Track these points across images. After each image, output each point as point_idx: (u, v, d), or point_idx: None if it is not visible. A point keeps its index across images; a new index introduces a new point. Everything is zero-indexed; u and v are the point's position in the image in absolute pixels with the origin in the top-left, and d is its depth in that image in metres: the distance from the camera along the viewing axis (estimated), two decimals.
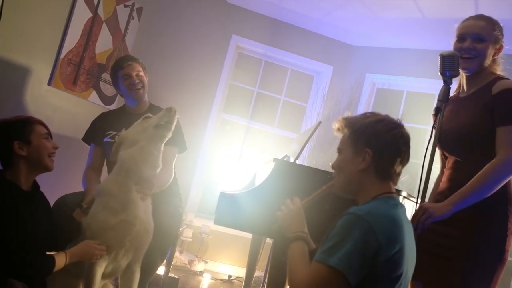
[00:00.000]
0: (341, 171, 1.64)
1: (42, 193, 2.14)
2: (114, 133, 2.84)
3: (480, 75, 2.03)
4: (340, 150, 1.67)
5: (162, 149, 2.39)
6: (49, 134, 2.12)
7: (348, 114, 1.69)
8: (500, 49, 2.05)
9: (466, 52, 1.99)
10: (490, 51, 2.01)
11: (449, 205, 1.85)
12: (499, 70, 2.07)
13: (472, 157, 1.99)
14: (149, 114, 2.43)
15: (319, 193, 1.79)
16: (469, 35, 2.02)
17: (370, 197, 1.56)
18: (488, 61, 2.01)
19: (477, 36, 2.00)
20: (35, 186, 2.10)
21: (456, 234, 1.92)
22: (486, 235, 1.92)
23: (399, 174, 1.62)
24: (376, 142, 1.56)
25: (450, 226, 1.92)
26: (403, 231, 1.46)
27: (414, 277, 2.03)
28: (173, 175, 2.82)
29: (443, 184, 2.11)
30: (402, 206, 1.60)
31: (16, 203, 1.91)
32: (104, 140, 2.86)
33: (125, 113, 2.97)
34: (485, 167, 1.86)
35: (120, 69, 2.90)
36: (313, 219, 1.74)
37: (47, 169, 2.08)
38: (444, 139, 1.99)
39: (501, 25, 2.06)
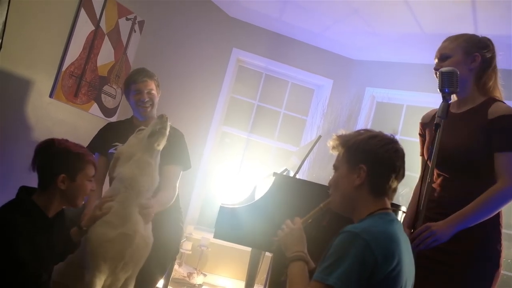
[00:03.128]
0: (337, 188, 1.65)
1: (63, 213, 2.12)
2: (120, 145, 2.84)
3: (468, 91, 2.06)
4: (336, 167, 1.68)
5: (158, 160, 2.39)
6: (94, 176, 2.10)
7: (342, 131, 1.71)
8: (475, 59, 2.05)
9: (435, 72, 2.06)
10: (462, 65, 2.03)
11: (451, 227, 1.88)
12: (497, 89, 2.09)
13: (461, 176, 2.03)
14: (142, 127, 2.43)
15: (317, 211, 1.79)
16: (437, 57, 2.12)
17: (366, 214, 1.57)
18: (466, 75, 2.03)
19: (442, 56, 2.09)
20: (60, 212, 2.08)
21: (454, 250, 1.93)
22: (484, 251, 1.93)
23: (395, 190, 1.63)
24: (370, 158, 1.57)
25: (447, 242, 1.91)
26: (400, 247, 1.47)
27: None
28: (176, 194, 2.81)
29: (431, 201, 2.09)
30: (398, 222, 1.60)
31: (36, 230, 1.89)
32: (109, 151, 2.86)
33: (132, 126, 2.96)
34: (487, 192, 1.90)
35: (133, 83, 2.89)
36: (311, 236, 1.74)
37: (75, 206, 2.08)
38: (436, 156, 2.00)
39: (477, 36, 2.10)
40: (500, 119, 1.95)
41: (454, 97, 2.14)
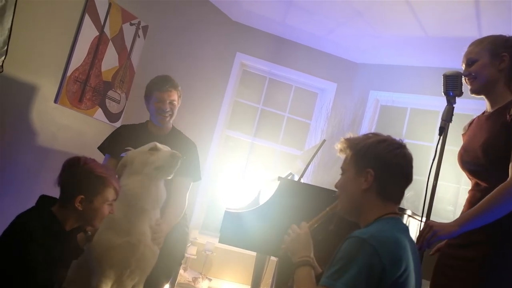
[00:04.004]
0: (344, 191, 1.65)
1: (79, 228, 2.13)
2: (132, 149, 2.84)
3: (497, 93, 2.01)
4: (343, 170, 1.67)
5: (162, 185, 2.40)
6: (115, 200, 2.10)
7: (350, 134, 1.70)
8: (503, 59, 1.98)
9: (465, 77, 2.02)
10: (490, 68, 1.98)
11: (455, 226, 1.82)
12: None
13: (488, 178, 1.93)
14: (157, 145, 2.41)
15: (323, 215, 1.79)
16: (464, 62, 2.06)
17: (373, 218, 1.56)
18: (496, 77, 1.98)
19: (468, 61, 2.03)
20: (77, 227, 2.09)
21: (472, 256, 1.87)
22: (503, 257, 1.86)
23: (402, 195, 1.62)
24: (378, 162, 1.57)
25: (464, 248, 1.88)
26: (407, 252, 1.46)
27: None
28: (185, 207, 2.82)
29: (465, 205, 2.06)
30: (405, 227, 1.59)
31: (52, 241, 1.90)
32: (121, 155, 2.85)
33: (146, 131, 2.95)
34: (494, 190, 1.82)
35: (157, 90, 2.89)
36: (319, 241, 1.74)
37: (92, 227, 2.09)
38: (465, 159, 1.97)
39: (504, 36, 2.03)
40: None
41: (486, 101, 2.07)
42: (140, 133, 2.91)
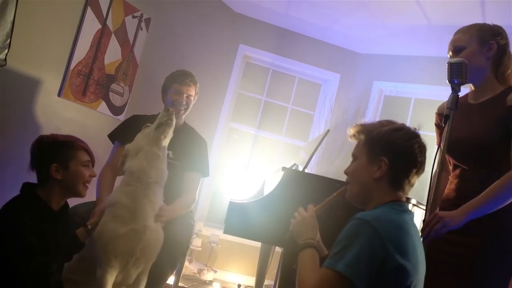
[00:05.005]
0: (355, 178, 1.63)
1: (67, 206, 2.16)
2: None
3: (485, 82, 2.02)
4: (354, 156, 1.65)
5: (166, 153, 2.41)
6: (90, 161, 2.13)
7: (364, 120, 1.68)
8: (491, 47, 2.00)
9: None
10: (478, 55, 2.00)
11: (463, 215, 1.82)
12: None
13: (479, 168, 1.98)
14: (148, 124, 2.46)
15: (330, 200, 1.78)
16: (450, 50, 2.07)
17: (379, 204, 1.55)
18: (484, 65, 2.00)
19: (455, 48, 2.04)
20: (64, 205, 2.12)
21: (472, 243, 1.89)
22: (503, 244, 1.88)
23: (412, 185, 1.61)
24: (393, 151, 1.55)
25: (464, 235, 1.88)
26: (411, 238, 1.45)
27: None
28: (195, 201, 2.88)
29: (449, 192, 2.09)
30: (410, 212, 1.58)
31: (42, 222, 1.93)
32: None
33: None
34: (501, 178, 1.83)
35: (177, 82, 2.95)
36: (327, 225, 1.74)
37: (79, 195, 2.10)
38: (454, 147, 1.97)
39: (489, 24, 2.06)
40: None
41: (471, 87, 2.10)
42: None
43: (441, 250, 1.94)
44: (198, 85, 3.03)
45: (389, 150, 1.55)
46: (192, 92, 2.99)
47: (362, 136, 1.62)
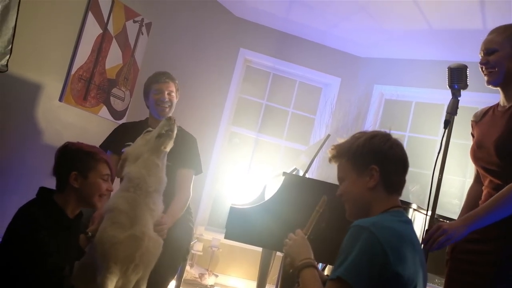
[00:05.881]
0: (349, 195, 1.63)
1: (81, 216, 2.17)
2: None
3: None
4: (341, 179, 1.66)
5: (165, 162, 2.41)
6: (110, 176, 2.14)
7: (338, 141, 1.69)
8: None
9: (483, 65, 1.94)
10: (510, 59, 1.90)
11: (465, 226, 1.79)
12: None
13: (505, 175, 1.87)
14: (150, 128, 2.46)
15: (315, 216, 1.80)
16: (482, 50, 1.97)
17: (378, 212, 1.56)
18: None
19: (488, 50, 1.93)
20: (79, 214, 2.13)
21: (488, 250, 1.84)
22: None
23: (404, 184, 1.63)
24: (379, 157, 1.57)
25: (480, 243, 1.85)
26: (410, 245, 1.45)
27: None
28: (189, 198, 2.86)
29: (480, 203, 1.99)
30: (408, 219, 1.59)
31: (57, 227, 1.94)
32: (122, 150, 2.88)
33: (146, 126, 2.98)
34: (504, 189, 1.79)
35: (155, 82, 2.97)
36: (311, 240, 1.74)
37: (93, 206, 2.11)
38: (478, 156, 1.94)
39: None
40: None
41: (501, 94, 2.00)
42: (140, 129, 2.93)
43: (460, 258, 1.92)
44: (176, 81, 3.03)
45: (374, 157, 1.57)
46: (173, 88, 3.00)
47: (341, 158, 1.64)
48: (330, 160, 1.70)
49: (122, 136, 2.95)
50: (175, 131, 2.40)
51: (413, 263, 1.45)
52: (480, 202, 1.99)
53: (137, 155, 2.34)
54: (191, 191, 2.88)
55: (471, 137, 2.12)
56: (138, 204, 2.23)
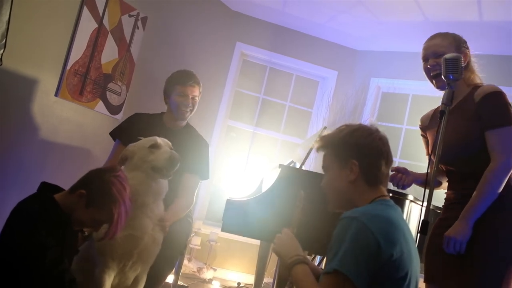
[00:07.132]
0: (332, 188, 1.68)
1: None
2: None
3: (458, 87, 2.05)
4: (325, 168, 1.70)
5: (163, 180, 2.38)
6: (103, 223, 2.07)
7: (325, 132, 1.75)
8: (466, 54, 2.12)
9: (433, 69, 2.13)
10: None
11: (466, 224, 1.92)
12: (477, 77, 2.16)
13: (469, 169, 2.05)
14: (158, 142, 2.36)
15: (298, 213, 1.84)
16: (429, 54, 2.16)
17: (365, 203, 1.59)
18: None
19: (436, 54, 2.12)
20: None
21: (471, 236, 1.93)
22: (501, 232, 1.93)
23: (387, 176, 1.67)
24: (359, 151, 1.61)
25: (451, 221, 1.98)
26: (401, 230, 1.48)
27: (429, 280, 2.05)
28: (193, 203, 2.83)
29: (449, 196, 2.16)
30: (397, 208, 1.62)
31: (53, 225, 1.92)
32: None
33: (160, 123, 2.93)
34: (484, 175, 1.94)
35: (181, 84, 2.89)
36: (302, 232, 1.76)
37: (72, 226, 2.07)
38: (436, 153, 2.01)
39: (455, 34, 2.17)
40: (484, 99, 2.01)
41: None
42: (154, 124, 2.90)
43: (440, 243, 1.98)
44: (201, 84, 2.98)
45: (354, 151, 1.61)
46: (197, 92, 2.94)
47: (326, 148, 1.69)
48: (317, 150, 1.74)
49: (135, 128, 2.83)
50: (174, 170, 2.33)
51: (406, 245, 1.48)
52: (446, 193, 2.18)
53: (135, 165, 2.30)
54: (194, 197, 2.86)
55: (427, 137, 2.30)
56: (135, 214, 2.21)
